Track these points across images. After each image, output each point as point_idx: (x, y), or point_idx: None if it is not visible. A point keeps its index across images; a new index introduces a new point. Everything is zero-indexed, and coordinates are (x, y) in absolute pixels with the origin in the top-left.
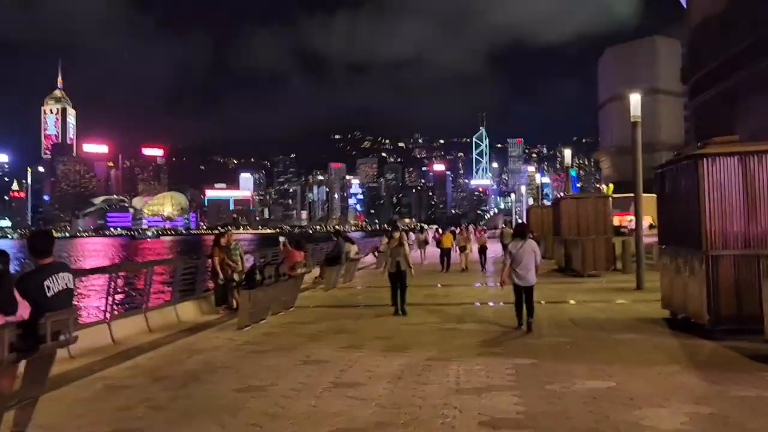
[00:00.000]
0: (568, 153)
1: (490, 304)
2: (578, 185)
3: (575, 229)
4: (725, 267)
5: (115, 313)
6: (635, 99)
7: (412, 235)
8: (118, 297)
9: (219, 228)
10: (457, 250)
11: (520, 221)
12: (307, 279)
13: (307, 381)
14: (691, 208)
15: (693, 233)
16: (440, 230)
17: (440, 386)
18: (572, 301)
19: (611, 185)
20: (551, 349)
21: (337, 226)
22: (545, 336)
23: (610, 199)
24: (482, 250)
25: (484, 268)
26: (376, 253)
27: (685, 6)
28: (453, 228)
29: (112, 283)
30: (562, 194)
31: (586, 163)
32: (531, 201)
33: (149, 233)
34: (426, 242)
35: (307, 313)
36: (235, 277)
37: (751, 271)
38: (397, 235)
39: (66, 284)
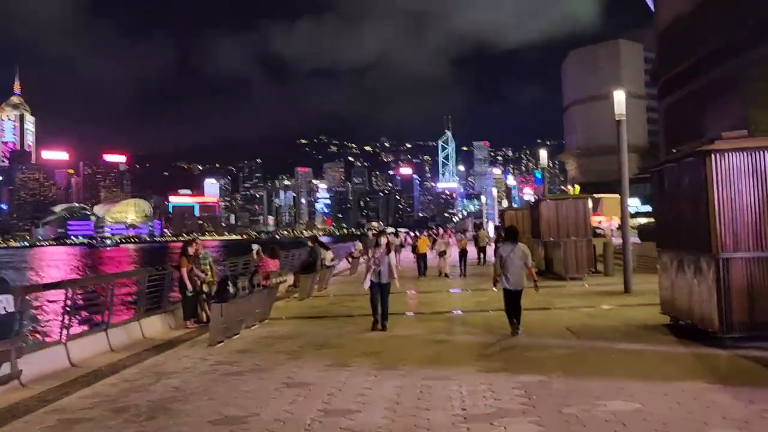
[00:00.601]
0: (543, 154)
1: (477, 311)
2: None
3: (555, 231)
4: (737, 271)
5: (73, 332)
6: (620, 96)
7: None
8: (77, 314)
9: (184, 234)
10: (436, 254)
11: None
12: (281, 288)
13: (293, 409)
14: (697, 207)
15: (700, 235)
16: (415, 234)
17: (445, 413)
18: (563, 307)
19: (577, 186)
20: (556, 362)
21: (305, 231)
22: (545, 347)
23: (590, 200)
24: (463, 254)
25: (464, 274)
26: (349, 259)
27: (653, 9)
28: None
29: (69, 300)
30: (535, 197)
31: (551, 165)
32: (505, 203)
33: (108, 241)
34: (402, 246)
35: (284, 325)
36: (205, 288)
37: (765, 274)
38: (384, 240)
39: (3, 308)
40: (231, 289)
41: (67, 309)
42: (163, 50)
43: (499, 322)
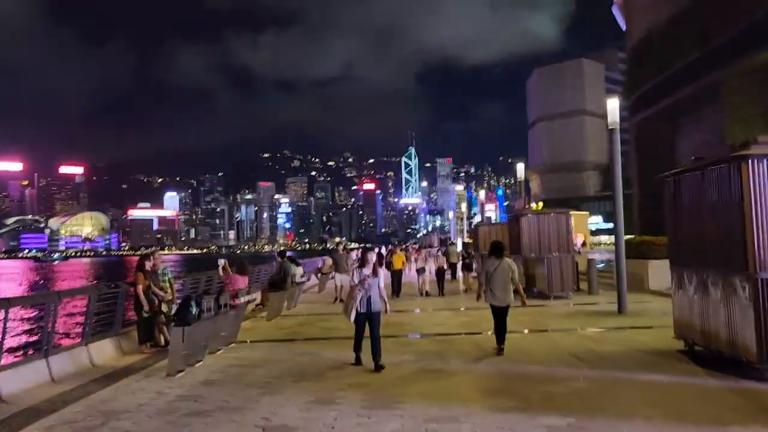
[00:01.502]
0: (521, 167)
1: (465, 334)
2: (505, 204)
3: (537, 247)
4: None
5: (6, 361)
6: (613, 104)
7: (353, 255)
8: (12, 340)
9: (143, 248)
10: (412, 271)
11: (483, 239)
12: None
13: None
14: (727, 220)
15: (732, 251)
16: (388, 249)
17: None
18: (557, 329)
19: (540, 203)
20: (577, 399)
21: (266, 246)
22: (557, 379)
23: (572, 215)
24: (440, 272)
25: (443, 293)
26: (318, 276)
27: (623, 25)
28: (405, 246)
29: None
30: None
31: (513, 182)
32: (479, 218)
33: (56, 255)
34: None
35: (253, 350)
36: (164, 308)
37: None
38: (372, 258)
39: None
40: (194, 310)
41: None
42: (123, 59)
43: (490, 346)
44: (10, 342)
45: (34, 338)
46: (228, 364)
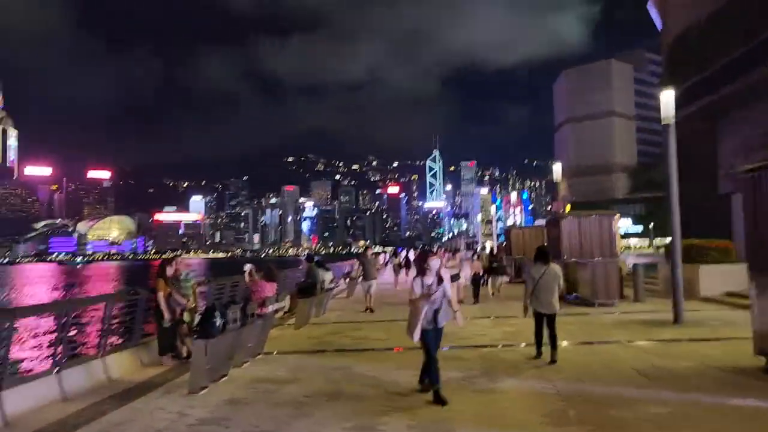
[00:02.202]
0: (557, 168)
1: (509, 345)
2: (530, 207)
3: (578, 251)
4: None
5: (12, 378)
6: (667, 97)
7: (382, 258)
8: (18, 354)
9: (168, 252)
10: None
11: (514, 243)
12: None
13: None
14: None
15: None
16: (419, 252)
17: None
18: (611, 341)
19: (569, 206)
20: (656, 428)
21: (290, 250)
22: (628, 402)
23: (617, 217)
24: (477, 278)
25: (478, 301)
26: (346, 280)
27: (659, 21)
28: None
29: (5, 337)
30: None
31: (537, 185)
32: (510, 222)
33: (78, 259)
34: (401, 266)
35: (282, 363)
36: (186, 317)
37: None
38: (435, 264)
39: None
40: (218, 321)
41: (3, 348)
42: (151, 65)
43: (540, 361)
44: (17, 356)
45: (46, 351)
46: (255, 378)
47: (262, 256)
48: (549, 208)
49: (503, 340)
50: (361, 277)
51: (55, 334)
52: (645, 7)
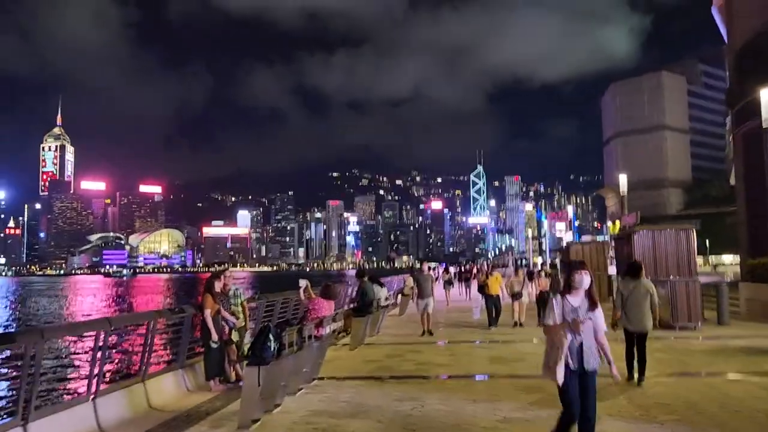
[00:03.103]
0: (623, 178)
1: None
2: (576, 224)
3: (652, 269)
4: None
5: (39, 406)
6: (766, 96)
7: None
8: (50, 378)
9: (216, 265)
10: (507, 296)
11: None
12: None
13: None
14: None
15: None
16: (485, 269)
17: None
18: (716, 372)
19: (617, 222)
20: None
21: (335, 264)
22: None
23: (694, 232)
24: (543, 298)
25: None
26: (398, 297)
27: (723, 27)
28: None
29: (32, 362)
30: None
31: (584, 201)
32: (571, 237)
33: (125, 272)
34: (450, 283)
35: (340, 390)
36: (234, 336)
37: None
38: (585, 281)
39: None
40: (272, 345)
41: (26, 376)
42: (202, 82)
43: (641, 393)
44: (48, 380)
45: (81, 375)
46: (313, 410)
47: (307, 270)
48: (596, 224)
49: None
50: (414, 296)
51: (91, 355)
52: (697, 18)
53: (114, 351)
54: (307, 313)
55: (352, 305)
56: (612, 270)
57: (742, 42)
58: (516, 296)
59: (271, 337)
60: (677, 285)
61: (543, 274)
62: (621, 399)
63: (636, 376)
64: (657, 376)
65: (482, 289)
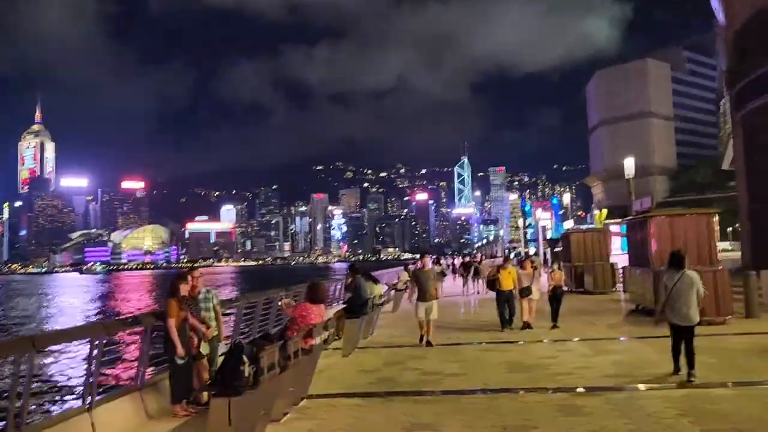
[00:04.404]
0: (629, 163)
1: (632, 386)
2: (560, 212)
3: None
4: None
5: None
6: None
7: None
8: None
9: (200, 260)
10: (515, 293)
11: (574, 248)
12: None
13: None
14: None
15: None
16: (469, 258)
17: None
18: None
19: (605, 210)
20: None
21: (320, 257)
22: None
23: (717, 217)
24: (557, 295)
25: (557, 324)
26: (392, 293)
27: (720, 11)
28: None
29: None
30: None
31: (569, 189)
32: (572, 224)
33: (97, 269)
34: (443, 274)
35: (334, 412)
36: (203, 349)
37: None
38: None
39: None
40: (246, 369)
41: None
42: (182, 77)
43: (699, 407)
44: None
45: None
46: None
47: (293, 264)
48: (580, 213)
49: (620, 376)
50: (411, 295)
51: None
52: (680, 4)
53: (49, 375)
54: (292, 322)
55: (344, 305)
56: (615, 258)
57: (742, 21)
58: (525, 293)
59: (244, 358)
60: (702, 275)
61: (556, 267)
62: (664, 409)
63: (686, 370)
64: (707, 388)
65: (493, 284)
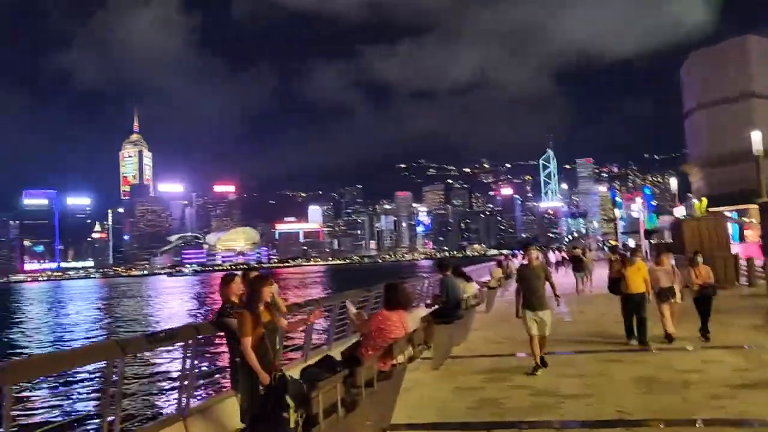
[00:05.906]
0: (757, 137)
1: None
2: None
3: None
4: None
5: None
6: None
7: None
8: None
9: (290, 260)
10: (650, 296)
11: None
12: None
13: None
14: None
15: None
16: (619, 252)
17: None
18: None
19: (704, 199)
20: None
21: (406, 254)
22: None
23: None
24: (707, 296)
25: (706, 336)
26: (483, 290)
27: None
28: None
29: None
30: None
31: (660, 180)
32: (683, 211)
33: (186, 270)
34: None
35: None
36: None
37: None
38: None
39: None
40: (291, 416)
41: None
42: (266, 81)
43: None
44: None
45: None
46: None
47: (380, 261)
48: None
49: None
50: (518, 302)
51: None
52: None
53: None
54: (365, 340)
55: (431, 307)
56: (736, 248)
57: None
58: (664, 295)
59: (288, 401)
60: None
61: (701, 261)
62: None
63: None
64: None
65: (616, 284)
